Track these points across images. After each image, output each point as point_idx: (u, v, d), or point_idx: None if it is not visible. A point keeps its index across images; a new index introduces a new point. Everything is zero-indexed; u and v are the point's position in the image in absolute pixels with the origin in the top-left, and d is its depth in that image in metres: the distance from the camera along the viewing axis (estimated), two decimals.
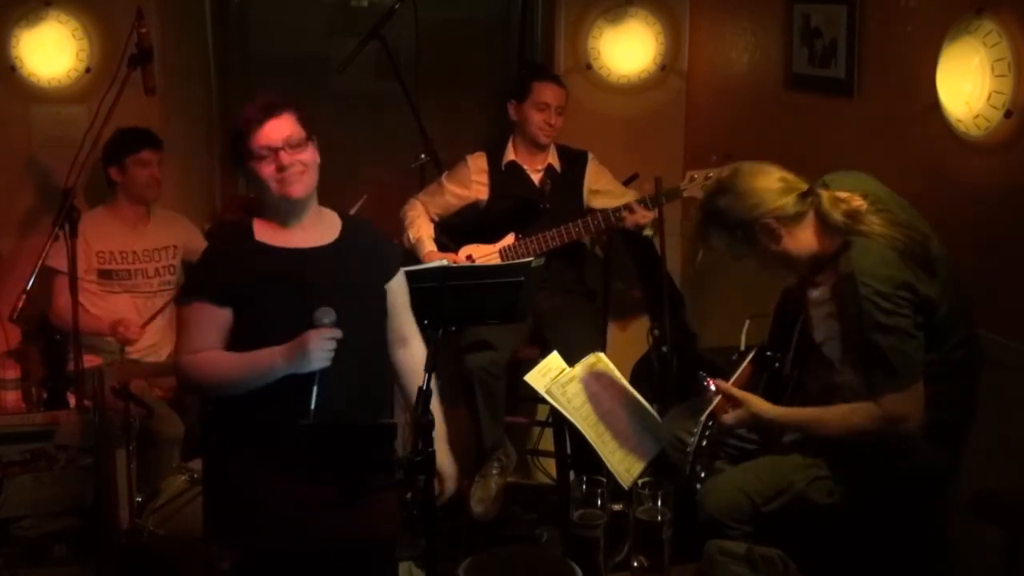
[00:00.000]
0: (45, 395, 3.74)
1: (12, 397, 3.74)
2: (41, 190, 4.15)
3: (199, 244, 4.11)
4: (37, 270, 3.27)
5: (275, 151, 2.52)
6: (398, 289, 2.75)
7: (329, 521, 2.52)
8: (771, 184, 2.66)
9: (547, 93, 3.95)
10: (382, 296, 2.71)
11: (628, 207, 3.81)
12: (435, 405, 2.69)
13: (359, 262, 2.66)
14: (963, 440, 2.69)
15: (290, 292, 2.55)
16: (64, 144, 3.82)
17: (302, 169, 2.55)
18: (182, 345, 2.59)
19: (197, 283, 2.64)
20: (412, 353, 2.80)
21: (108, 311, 3.89)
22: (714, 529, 2.62)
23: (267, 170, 2.53)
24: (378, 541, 2.64)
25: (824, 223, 2.63)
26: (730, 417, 2.69)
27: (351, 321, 2.55)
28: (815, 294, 2.68)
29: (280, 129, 2.53)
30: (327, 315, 2.49)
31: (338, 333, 2.49)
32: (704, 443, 2.72)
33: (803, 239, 2.65)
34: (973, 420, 2.69)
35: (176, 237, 4.07)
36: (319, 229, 2.65)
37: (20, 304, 3.21)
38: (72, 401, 3.55)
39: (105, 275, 3.90)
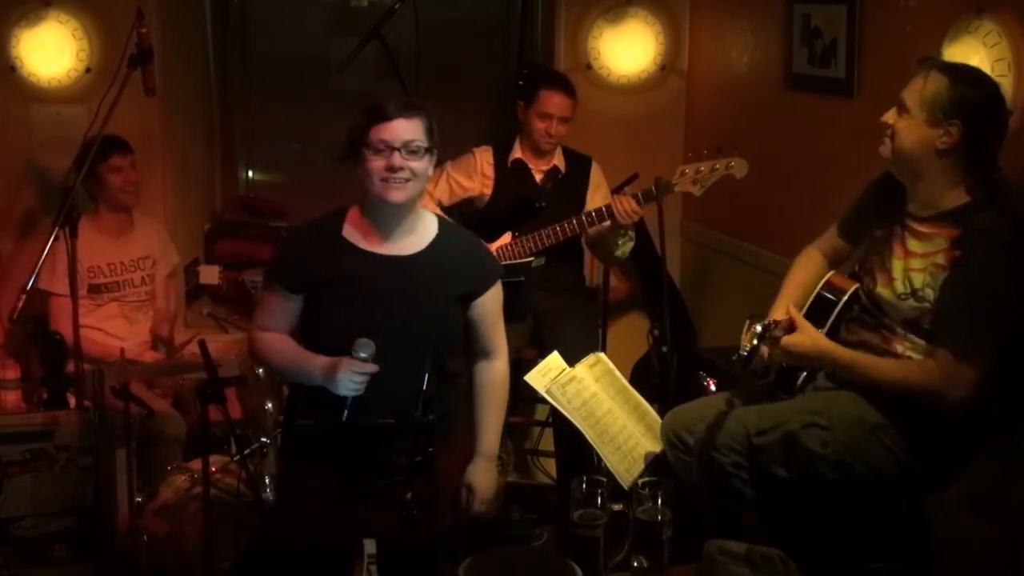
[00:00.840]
0: (45, 395, 3.73)
1: (12, 397, 3.74)
2: (41, 190, 4.15)
3: (171, 258, 4.10)
4: (37, 270, 3.27)
5: (392, 149, 2.51)
6: (489, 304, 2.74)
7: (336, 519, 2.54)
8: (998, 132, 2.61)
9: (551, 103, 3.92)
10: (454, 312, 2.69)
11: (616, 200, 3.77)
12: (493, 423, 2.81)
13: (438, 277, 2.64)
14: (976, 444, 2.67)
15: (361, 297, 2.56)
16: (64, 144, 3.83)
17: (409, 176, 2.53)
18: (255, 319, 2.75)
19: (279, 268, 2.71)
20: (493, 368, 2.81)
21: (98, 322, 3.87)
22: (707, 453, 2.65)
23: (376, 164, 2.51)
24: (392, 541, 2.66)
25: (976, 189, 2.59)
26: (789, 340, 2.64)
27: (416, 333, 2.57)
28: (919, 245, 2.64)
29: (406, 130, 2.52)
30: (365, 348, 2.48)
31: (372, 368, 2.49)
32: (759, 346, 2.66)
33: (944, 173, 2.59)
34: (991, 427, 2.67)
35: (156, 248, 4.04)
36: (410, 239, 2.64)
37: (20, 304, 3.20)
38: (72, 401, 3.55)
39: (95, 289, 3.87)
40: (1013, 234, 2.52)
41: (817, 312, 2.83)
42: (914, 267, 2.64)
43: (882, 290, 2.70)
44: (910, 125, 2.59)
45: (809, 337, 2.65)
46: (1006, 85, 2.79)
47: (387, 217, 2.60)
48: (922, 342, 2.62)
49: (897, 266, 2.68)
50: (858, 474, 2.65)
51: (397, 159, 2.50)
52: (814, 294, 2.86)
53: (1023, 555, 2.59)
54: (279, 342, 2.69)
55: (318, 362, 2.54)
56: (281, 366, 2.72)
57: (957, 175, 2.59)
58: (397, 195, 2.52)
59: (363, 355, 2.48)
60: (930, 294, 2.59)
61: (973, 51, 2.87)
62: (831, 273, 2.90)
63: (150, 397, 3.67)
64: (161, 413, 3.64)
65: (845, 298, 2.81)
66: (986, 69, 2.83)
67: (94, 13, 4.11)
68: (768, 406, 2.74)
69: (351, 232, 2.62)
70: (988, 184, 2.59)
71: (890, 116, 2.64)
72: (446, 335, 2.67)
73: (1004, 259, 2.50)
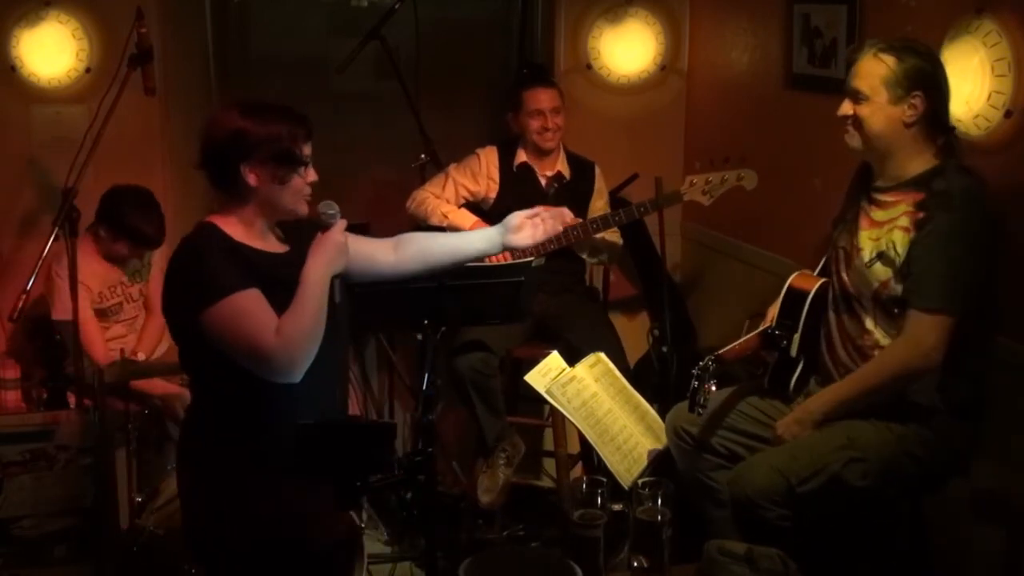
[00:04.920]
0: (45, 395, 3.74)
1: (12, 397, 3.74)
2: (41, 190, 4.14)
3: (166, 255, 4.08)
4: (37, 270, 3.27)
5: (308, 166, 2.53)
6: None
7: (332, 516, 2.54)
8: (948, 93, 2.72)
9: (537, 99, 3.90)
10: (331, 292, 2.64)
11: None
12: None
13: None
14: (981, 420, 2.72)
15: (282, 294, 2.48)
16: (64, 144, 3.82)
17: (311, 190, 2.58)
18: (261, 331, 2.38)
19: (231, 276, 2.43)
20: (404, 237, 2.79)
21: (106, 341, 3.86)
22: (749, 510, 2.63)
23: (300, 182, 2.51)
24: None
25: (943, 151, 2.69)
26: (782, 431, 2.76)
27: (332, 317, 2.54)
28: (881, 214, 2.72)
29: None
30: (331, 207, 2.51)
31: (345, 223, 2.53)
32: (705, 376, 2.75)
33: (912, 142, 2.68)
34: (984, 402, 2.72)
35: (153, 253, 4.02)
36: (277, 234, 2.63)
37: (20, 304, 3.21)
38: (72, 401, 3.55)
39: (101, 314, 3.84)
40: (974, 194, 2.61)
41: (787, 315, 2.89)
42: (879, 235, 2.71)
43: (851, 269, 2.77)
44: (874, 109, 2.68)
45: (791, 418, 2.78)
46: (1006, 85, 2.80)
47: (276, 224, 2.60)
48: (885, 323, 2.69)
49: (863, 237, 2.75)
50: (890, 491, 2.69)
51: (311, 175, 2.55)
52: (780, 299, 2.91)
53: (1023, 555, 2.60)
54: (291, 317, 2.42)
55: (313, 266, 2.45)
56: (315, 324, 2.42)
57: (923, 141, 2.69)
58: (307, 208, 2.56)
59: (332, 212, 2.50)
60: (894, 256, 2.65)
61: (973, 51, 2.87)
62: (795, 275, 2.97)
63: (161, 385, 3.67)
64: (172, 394, 3.63)
65: (811, 295, 2.87)
66: (986, 69, 2.84)
67: (94, 13, 4.11)
68: (800, 446, 2.73)
69: (242, 238, 2.52)
70: (950, 142, 2.70)
71: (847, 108, 2.74)
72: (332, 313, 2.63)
73: (968, 219, 2.59)
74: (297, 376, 2.42)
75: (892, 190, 2.72)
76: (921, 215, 2.61)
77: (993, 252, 2.62)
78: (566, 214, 2.79)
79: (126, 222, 3.68)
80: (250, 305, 2.41)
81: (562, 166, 4.02)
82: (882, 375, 2.67)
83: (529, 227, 2.73)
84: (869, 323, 2.73)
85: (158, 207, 3.79)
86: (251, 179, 2.45)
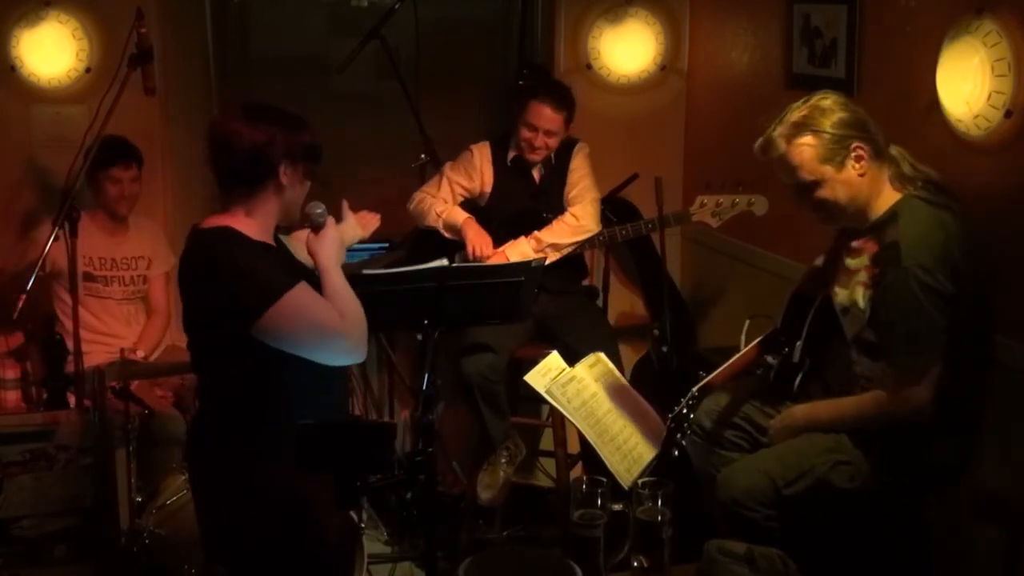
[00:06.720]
0: (45, 395, 3.74)
1: (12, 397, 3.74)
2: (41, 190, 4.15)
3: (168, 257, 4.09)
4: (37, 270, 3.27)
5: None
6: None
7: (332, 516, 2.54)
8: (871, 122, 2.67)
9: (538, 115, 3.82)
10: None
11: None
12: None
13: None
14: (977, 433, 2.70)
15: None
16: (64, 144, 3.82)
17: None
18: (329, 317, 2.44)
19: (279, 275, 2.46)
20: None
21: (93, 316, 3.89)
22: (735, 512, 2.64)
23: (304, 189, 2.58)
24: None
25: (895, 178, 2.65)
26: (775, 435, 2.78)
27: None
28: (851, 262, 2.70)
29: None
30: (319, 206, 2.58)
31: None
32: (688, 412, 2.78)
33: (872, 186, 2.64)
34: (984, 414, 2.70)
35: (151, 249, 4.05)
36: None
37: (20, 304, 3.21)
38: (72, 401, 3.55)
39: (88, 278, 3.87)
40: (923, 234, 2.54)
41: (791, 320, 2.89)
42: (849, 284, 2.70)
43: (835, 300, 2.78)
44: (829, 187, 2.64)
45: (777, 420, 2.81)
46: (1006, 85, 2.80)
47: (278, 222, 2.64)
48: (868, 360, 2.69)
49: (837, 285, 2.75)
50: (883, 491, 2.68)
51: None
52: (786, 303, 2.90)
53: (1023, 555, 2.59)
54: (338, 300, 2.49)
55: (325, 266, 2.54)
56: (355, 301, 2.52)
57: (878, 177, 2.66)
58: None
59: (318, 211, 2.58)
60: (859, 312, 2.65)
61: (973, 51, 2.87)
62: (801, 279, 2.95)
63: (151, 397, 3.68)
64: (161, 413, 3.64)
65: (816, 304, 2.86)
66: (986, 69, 2.84)
67: (94, 13, 4.11)
68: (786, 448, 2.74)
69: (260, 237, 2.55)
70: (896, 162, 2.66)
71: (805, 206, 2.69)
72: None
73: (916, 269, 2.50)
74: (364, 353, 2.52)
75: (861, 236, 2.70)
76: (876, 271, 2.60)
77: (971, 276, 2.56)
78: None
79: (96, 153, 3.62)
80: (308, 296, 2.46)
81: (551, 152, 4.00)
82: (864, 418, 2.66)
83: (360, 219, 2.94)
84: (854, 354, 2.74)
85: (131, 145, 3.91)
86: (284, 178, 2.50)
